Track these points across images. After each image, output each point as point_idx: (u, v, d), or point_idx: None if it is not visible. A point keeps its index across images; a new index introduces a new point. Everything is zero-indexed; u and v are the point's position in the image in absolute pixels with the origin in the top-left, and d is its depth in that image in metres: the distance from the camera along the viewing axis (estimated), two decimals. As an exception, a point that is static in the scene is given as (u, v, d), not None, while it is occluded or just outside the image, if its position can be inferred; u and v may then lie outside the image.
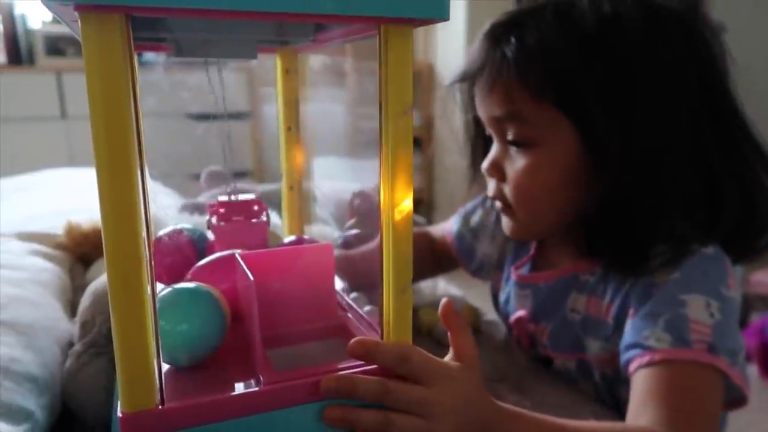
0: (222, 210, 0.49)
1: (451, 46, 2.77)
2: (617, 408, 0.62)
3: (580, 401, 0.60)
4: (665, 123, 0.55)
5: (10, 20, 2.48)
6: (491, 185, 0.64)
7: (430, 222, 0.94)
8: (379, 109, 0.35)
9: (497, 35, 0.59)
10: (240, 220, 0.49)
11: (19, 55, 2.51)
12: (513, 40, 0.57)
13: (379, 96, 0.35)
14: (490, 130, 0.63)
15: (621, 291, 0.58)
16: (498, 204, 0.64)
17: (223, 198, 0.50)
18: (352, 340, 0.38)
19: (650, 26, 0.56)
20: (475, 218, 0.80)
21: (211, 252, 0.47)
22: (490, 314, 0.81)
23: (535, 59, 0.56)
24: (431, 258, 0.84)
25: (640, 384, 0.50)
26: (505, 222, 0.64)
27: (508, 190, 0.61)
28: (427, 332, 0.73)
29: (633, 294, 0.57)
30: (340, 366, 0.37)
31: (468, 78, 0.64)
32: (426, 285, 0.87)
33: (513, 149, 0.60)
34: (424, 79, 2.92)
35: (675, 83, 0.55)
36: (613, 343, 0.58)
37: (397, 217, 0.36)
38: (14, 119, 2.39)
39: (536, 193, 0.59)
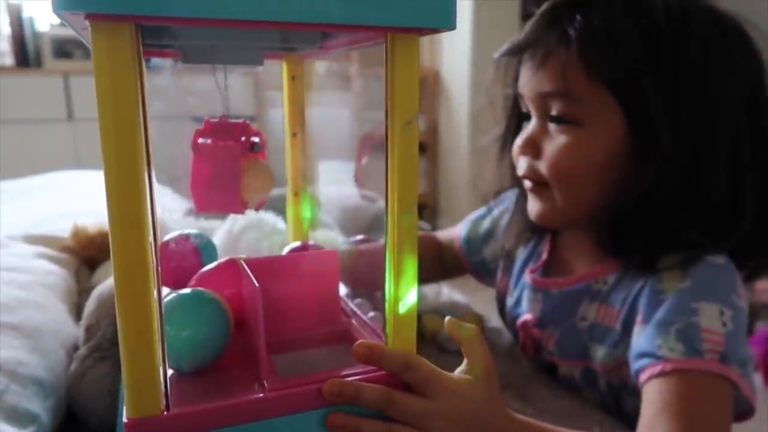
0: (208, 131, 0.47)
1: (456, 52, 2.78)
2: (621, 417, 0.62)
3: (584, 409, 0.60)
4: (714, 127, 0.56)
5: (18, 23, 2.50)
6: (523, 163, 0.63)
7: (434, 227, 0.94)
8: (385, 117, 0.35)
9: (559, 13, 0.60)
10: (217, 141, 0.46)
11: (27, 58, 2.53)
12: (579, 17, 0.57)
13: (386, 104, 0.35)
14: (530, 107, 0.62)
15: (629, 298, 0.58)
16: (528, 183, 0.63)
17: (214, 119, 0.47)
18: (358, 342, 0.38)
19: (716, 31, 0.57)
20: (485, 223, 0.80)
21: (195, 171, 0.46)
22: (494, 321, 0.81)
23: (599, 39, 0.56)
24: (438, 262, 0.84)
25: (652, 394, 0.50)
26: (533, 204, 0.63)
27: (544, 167, 0.60)
28: (431, 338, 0.73)
29: (641, 301, 0.56)
30: (345, 372, 0.37)
31: (519, 52, 0.64)
32: (430, 291, 0.87)
33: (553, 127, 0.60)
34: (429, 85, 2.92)
35: (730, 89, 0.56)
36: (620, 350, 0.58)
37: (403, 224, 0.36)
38: (21, 121, 2.41)
39: (575, 172, 0.59)
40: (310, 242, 0.58)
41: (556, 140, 0.59)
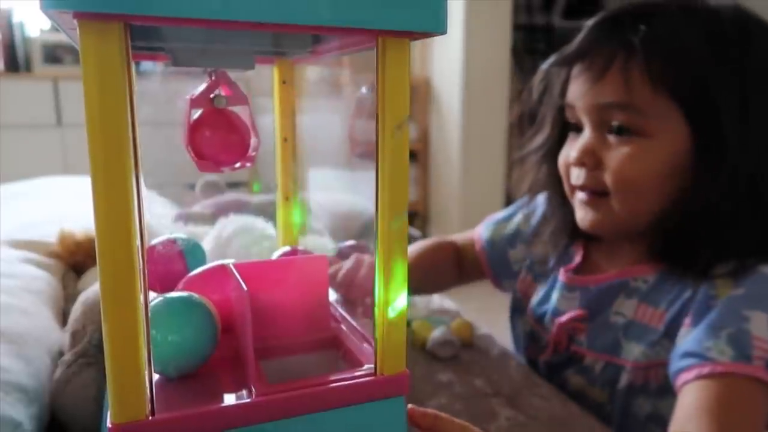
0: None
1: (448, 60, 2.79)
2: (623, 421, 0.62)
3: (574, 416, 0.60)
4: None
5: (9, 28, 2.49)
6: (579, 174, 0.63)
7: (425, 235, 0.94)
8: (375, 122, 0.35)
9: (619, 22, 0.59)
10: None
11: (17, 63, 2.51)
12: (642, 27, 0.57)
13: (376, 108, 0.35)
14: (584, 118, 0.62)
15: (678, 300, 0.59)
16: (582, 195, 0.63)
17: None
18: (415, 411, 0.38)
19: None
20: (511, 225, 0.80)
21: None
22: (483, 328, 0.81)
23: (666, 49, 0.56)
24: (456, 267, 0.84)
25: (694, 394, 0.50)
26: (587, 213, 0.63)
27: (607, 177, 0.60)
28: (421, 345, 0.73)
29: (692, 305, 0.57)
30: (333, 378, 0.37)
31: (570, 62, 0.63)
32: (420, 298, 0.87)
33: (613, 138, 0.59)
34: (421, 92, 2.94)
35: None
36: (656, 351, 0.59)
37: (392, 228, 0.36)
38: (10, 126, 2.39)
39: (641, 181, 0.59)
40: (300, 248, 0.57)
41: (620, 150, 0.59)
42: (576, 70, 0.63)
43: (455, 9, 2.61)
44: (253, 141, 0.44)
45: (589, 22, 0.63)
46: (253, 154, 0.45)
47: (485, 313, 0.81)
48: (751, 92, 0.55)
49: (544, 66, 0.67)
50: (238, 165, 0.44)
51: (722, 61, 0.55)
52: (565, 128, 0.67)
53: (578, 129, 0.64)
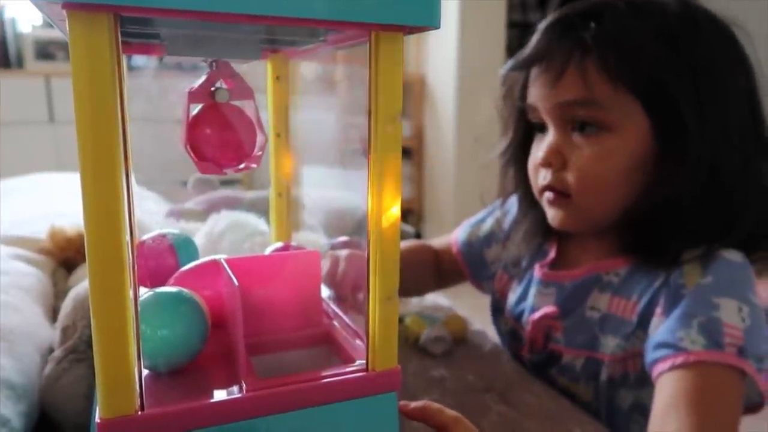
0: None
1: (442, 58, 2.79)
2: (609, 414, 0.62)
3: (566, 411, 0.60)
4: (729, 123, 0.57)
5: (0, 24, 2.47)
6: (546, 174, 0.63)
7: (419, 232, 0.94)
8: (368, 115, 0.35)
9: (570, 23, 0.60)
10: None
11: (8, 59, 2.50)
12: (592, 25, 0.58)
13: (369, 102, 0.35)
14: (548, 119, 0.62)
15: (649, 290, 0.59)
16: (549, 195, 0.64)
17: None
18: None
19: (717, 29, 0.59)
20: (486, 225, 0.81)
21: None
22: (477, 324, 0.81)
23: (618, 44, 0.57)
24: (434, 270, 0.84)
25: (671, 385, 0.51)
26: (556, 213, 0.64)
27: (571, 177, 0.61)
28: (413, 341, 0.73)
29: (662, 295, 0.58)
30: (325, 374, 0.37)
31: (528, 65, 0.64)
32: (413, 294, 0.87)
33: (577, 136, 0.60)
34: (415, 90, 2.94)
35: (737, 86, 0.58)
36: (632, 342, 0.59)
37: (385, 224, 0.36)
38: (2, 123, 2.37)
39: (606, 179, 0.60)
40: (293, 243, 0.57)
41: (584, 150, 0.60)
42: (534, 72, 0.63)
43: (450, 6, 2.61)
44: (259, 139, 0.41)
45: (541, 25, 0.64)
46: (259, 153, 0.42)
47: (479, 310, 0.81)
48: (702, 82, 0.56)
49: (502, 71, 0.68)
50: (242, 166, 0.41)
51: (673, 53, 0.56)
52: (529, 129, 0.67)
53: (543, 129, 0.64)
